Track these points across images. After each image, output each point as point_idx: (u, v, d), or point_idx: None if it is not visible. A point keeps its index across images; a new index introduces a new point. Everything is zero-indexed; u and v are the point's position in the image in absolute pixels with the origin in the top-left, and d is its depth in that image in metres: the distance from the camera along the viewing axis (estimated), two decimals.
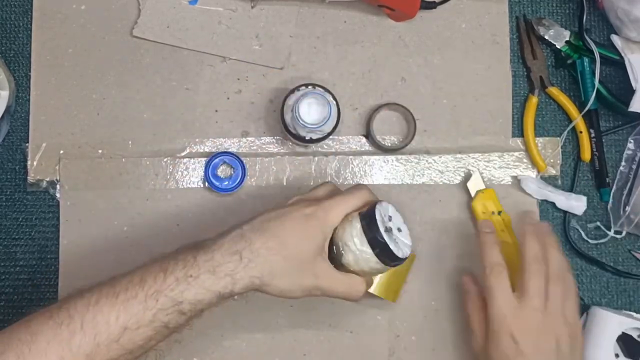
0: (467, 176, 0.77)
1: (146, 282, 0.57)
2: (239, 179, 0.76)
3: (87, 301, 0.56)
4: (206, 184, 0.76)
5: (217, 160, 0.76)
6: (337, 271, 0.62)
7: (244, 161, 0.76)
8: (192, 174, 0.77)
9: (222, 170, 0.76)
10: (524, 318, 0.64)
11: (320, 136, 0.71)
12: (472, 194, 0.77)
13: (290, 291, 0.61)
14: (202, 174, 0.76)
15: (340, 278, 0.63)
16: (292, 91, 0.71)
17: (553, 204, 0.77)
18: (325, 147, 0.78)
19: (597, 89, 0.77)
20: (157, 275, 0.57)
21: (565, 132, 0.78)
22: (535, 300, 0.65)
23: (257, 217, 0.62)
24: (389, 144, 0.78)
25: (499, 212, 0.76)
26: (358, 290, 0.64)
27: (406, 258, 0.63)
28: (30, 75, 0.78)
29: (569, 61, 0.78)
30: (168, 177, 0.77)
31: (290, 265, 0.60)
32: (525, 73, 0.80)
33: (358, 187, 0.66)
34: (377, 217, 0.61)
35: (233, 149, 0.78)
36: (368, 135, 0.78)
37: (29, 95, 0.78)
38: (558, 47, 0.79)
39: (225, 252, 0.58)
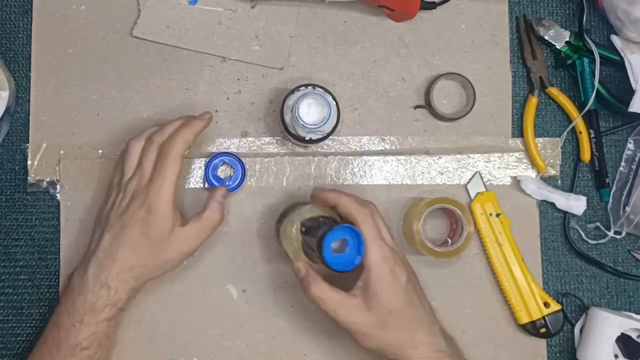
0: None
1: (47, 340, 0.67)
2: (239, 179, 0.76)
3: None
4: (206, 184, 0.76)
5: (217, 160, 0.76)
6: (189, 228, 0.68)
7: (244, 161, 0.76)
8: (192, 174, 0.77)
9: (222, 171, 0.76)
10: (394, 255, 0.65)
11: (320, 137, 0.71)
12: (472, 196, 0.77)
13: (169, 269, 0.69)
14: (202, 174, 0.76)
15: (199, 225, 0.68)
16: (292, 91, 0.71)
17: (553, 204, 0.77)
18: (325, 147, 0.78)
19: (597, 90, 0.77)
20: (53, 331, 0.66)
21: (565, 133, 0.78)
22: (387, 238, 0.66)
23: (103, 238, 0.67)
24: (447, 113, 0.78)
25: (498, 215, 0.76)
26: (214, 221, 0.69)
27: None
28: (30, 75, 0.78)
29: (569, 61, 0.78)
30: None
31: (152, 260, 0.67)
32: (525, 73, 0.80)
33: (172, 140, 0.68)
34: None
35: (233, 149, 0.78)
36: (427, 105, 0.77)
37: (29, 95, 0.78)
38: (558, 47, 0.79)
39: (94, 289, 0.65)
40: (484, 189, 0.77)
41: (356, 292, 0.64)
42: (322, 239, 0.59)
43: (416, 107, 0.78)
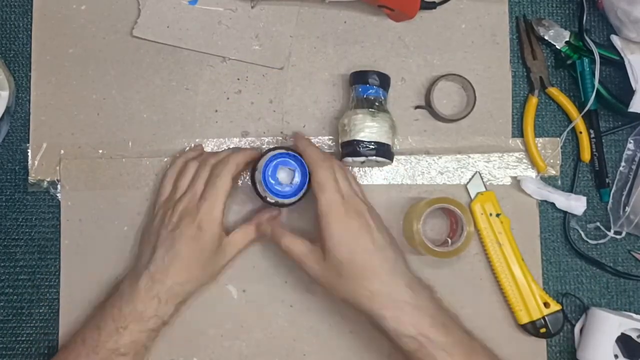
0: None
1: (86, 341, 0.67)
2: (301, 187, 0.70)
3: None
4: (262, 186, 0.70)
5: (277, 161, 0.70)
6: (241, 229, 0.72)
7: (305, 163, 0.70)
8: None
9: (282, 175, 0.71)
10: (350, 206, 0.67)
11: (289, 202, 0.71)
12: (472, 196, 0.77)
13: (213, 279, 0.72)
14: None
15: (238, 236, 0.72)
16: (265, 153, 0.70)
17: (553, 204, 0.77)
18: (325, 147, 0.78)
19: (597, 90, 0.76)
20: (93, 332, 0.67)
21: (565, 133, 0.78)
22: (349, 187, 0.69)
23: (156, 253, 0.68)
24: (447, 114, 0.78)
25: (498, 215, 0.76)
26: (250, 235, 0.72)
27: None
28: (30, 75, 0.78)
29: (569, 61, 0.78)
30: None
31: (201, 275, 0.70)
32: (525, 73, 0.80)
33: (225, 161, 0.71)
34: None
35: None
36: (428, 106, 0.77)
37: (29, 95, 0.78)
38: (558, 47, 0.79)
39: (144, 299, 0.67)
40: (484, 189, 0.77)
41: (317, 242, 0.66)
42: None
43: (416, 107, 0.78)
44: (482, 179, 0.77)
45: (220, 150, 0.78)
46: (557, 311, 0.75)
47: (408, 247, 0.75)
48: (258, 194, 0.71)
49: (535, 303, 0.75)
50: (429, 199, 0.73)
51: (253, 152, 0.73)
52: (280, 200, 0.70)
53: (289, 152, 0.70)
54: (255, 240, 0.73)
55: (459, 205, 0.72)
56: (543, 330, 0.75)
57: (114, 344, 0.66)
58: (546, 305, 0.75)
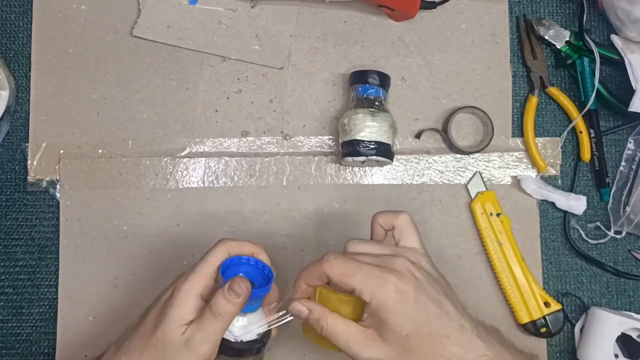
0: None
1: None
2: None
3: None
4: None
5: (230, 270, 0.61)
6: (200, 321, 0.58)
7: (270, 268, 0.63)
8: (192, 174, 0.77)
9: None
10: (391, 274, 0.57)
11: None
12: (472, 195, 0.77)
13: None
14: (202, 173, 0.76)
15: (204, 324, 0.58)
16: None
17: (553, 204, 0.77)
18: (325, 147, 0.78)
19: (597, 89, 0.77)
20: None
21: (565, 132, 0.78)
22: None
23: (132, 325, 0.62)
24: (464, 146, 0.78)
25: (498, 214, 0.76)
26: (227, 309, 0.58)
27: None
28: (30, 75, 0.78)
29: (569, 61, 0.78)
30: (168, 177, 0.77)
31: (157, 357, 0.58)
32: (525, 73, 0.80)
33: (209, 252, 0.61)
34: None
35: (233, 149, 0.78)
36: (443, 132, 0.77)
37: (29, 95, 0.78)
38: (558, 47, 0.79)
39: None
40: (484, 189, 0.77)
41: (366, 322, 0.57)
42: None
43: (421, 132, 0.78)
44: (482, 178, 0.77)
45: (220, 151, 0.77)
46: (558, 311, 0.75)
47: None
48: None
49: (535, 303, 0.75)
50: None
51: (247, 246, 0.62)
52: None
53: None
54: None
55: None
56: (543, 329, 0.75)
57: None
58: (547, 304, 0.75)
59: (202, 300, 0.59)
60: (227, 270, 0.60)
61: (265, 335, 0.62)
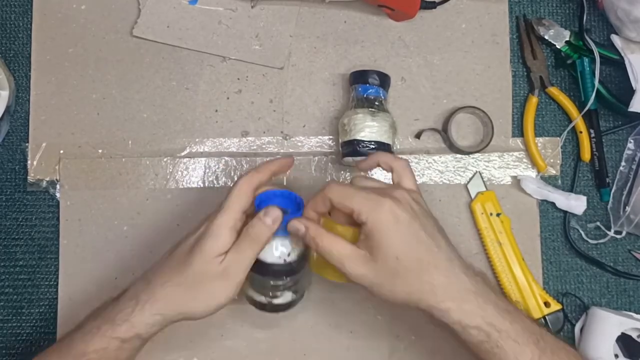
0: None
1: (64, 338, 0.62)
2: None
3: None
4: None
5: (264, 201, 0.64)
6: (236, 245, 0.61)
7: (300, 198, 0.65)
8: (192, 174, 0.77)
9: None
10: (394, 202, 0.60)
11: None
12: (472, 195, 0.77)
13: (209, 307, 0.62)
14: (202, 173, 0.76)
15: (240, 247, 0.61)
16: None
17: (553, 203, 0.77)
18: (325, 147, 0.78)
19: (597, 89, 0.77)
20: (74, 330, 0.62)
21: (565, 132, 0.78)
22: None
23: (167, 252, 0.64)
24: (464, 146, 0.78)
25: (498, 214, 0.76)
26: (263, 233, 0.62)
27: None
28: (30, 75, 0.78)
29: (569, 61, 0.78)
30: (168, 177, 0.77)
31: (190, 289, 0.61)
32: (525, 73, 0.80)
33: (235, 189, 0.63)
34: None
35: (233, 149, 0.78)
36: (443, 132, 0.77)
37: (29, 95, 0.78)
38: (558, 47, 0.79)
39: (126, 298, 0.61)
40: (484, 189, 0.77)
41: (360, 243, 0.60)
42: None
43: (421, 132, 0.78)
44: (482, 178, 0.77)
45: (220, 151, 0.77)
46: (558, 310, 0.75)
47: None
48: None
49: (535, 303, 0.75)
50: None
51: (283, 162, 0.67)
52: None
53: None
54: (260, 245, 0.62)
55: None
56: None
57: (83, 346, 0.59)
58: (546, 304, 0.75)
59: (235, 233, 0.62)
60: (262, 203, 0.63)
61: (298, 263, 0.65)
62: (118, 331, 0.59)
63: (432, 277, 0.58)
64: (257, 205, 0.63)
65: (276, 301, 0.67)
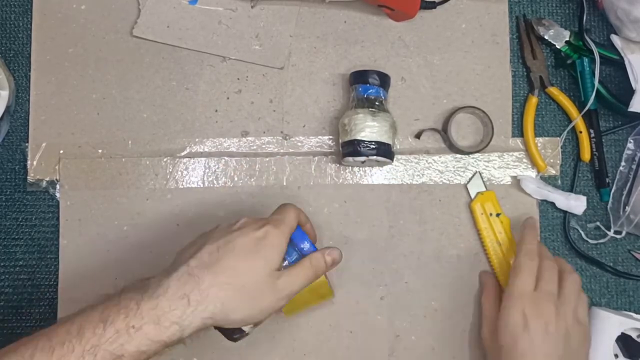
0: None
1: (84, 334, 0.52)
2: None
3: (21, 357, 0.51)
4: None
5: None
6: (294, 269, 0.61)
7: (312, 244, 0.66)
8: (192, 174, 0.77)
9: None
10: (539, 300, 0.66)
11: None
12: (472, 195, 0.77)
13: (251, 318, 0.59)
14: (202, 173, 0.76)
15: (299, 272, 0.61)
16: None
17: (553, 204, 0.77)
18: (325, 147, 0.78)
19: (597, 89, 0.77)
20: (97, 326, 0.52)
21: (565, 132, 0.78)
22: (551, 285, 0.67)
23: (204, 248, 0.58)
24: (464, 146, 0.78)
25: (498, 214, 0.76)
26: (321, 268, 0.63)
27: None
28: (30, 75, 0.78)
29: (569, 61, 0.78)
30: (168, 177, 0.77)
31: (245, 295, 0.57)
32: (525, 73, 0.80)
33: (291, 211, 0.65)
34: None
35: (233, 149, 0.78)
36: (443, 132, 0.77)
37: (29, 95, 0.78)
38: (558, 47, 0.79)
39: (171, 297, 0.54)
40: (484, 189, 0.77)
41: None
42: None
43: (421, 132, 0.78)
44: (482, 178, 0.77)
45: (220, 151, 0.77)
46: None
47: None
48: None
49: None
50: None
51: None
52: None
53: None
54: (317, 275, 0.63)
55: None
56: None
57: (119, 347, 0.52)
58: None
59: None
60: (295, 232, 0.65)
61: None
62: (164, 334, 0.53)
63: None
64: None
65: (235, 335, 0.65)
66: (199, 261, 0.57)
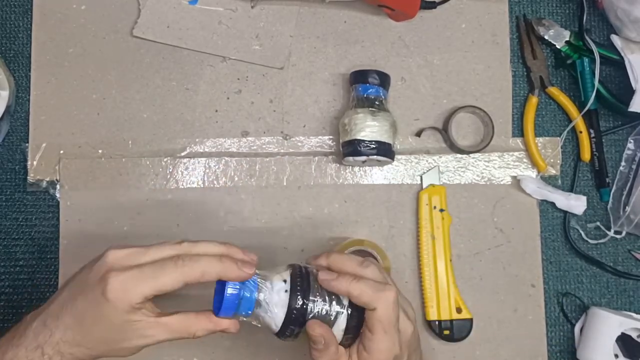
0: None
1: None
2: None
3: None
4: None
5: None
6: (166, 316, 0.56)
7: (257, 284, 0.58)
8: (192, 174, 0.77)
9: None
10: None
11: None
12: (424, 185, 0.77)
13: (125, 355, 0.57)
14: (202, 173, 0.77)
15: (171, 322, 0.57)
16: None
17: (553, 203, 0.77)
18: (325, 147, 0.78)
19: (597, 89, 0.77)
20: None
21: (565, 132, 0.78)
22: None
23: (60, 295, 0.56)
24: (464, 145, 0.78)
25: (442, 210, 0.76)
26: (196, 329, 0.57)
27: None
28: (30, 75, 0.78)
29: (569, 61, 0.78)
30: (168, 177, 0.77)
31: (98, 349, 0.55)
32: (525, 73, 0.80)
33: (196, 260, 0.56)
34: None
35: (233, 149, 0.78)
36: (444, 131, 0.77)
37: (29, 95, 0.78)
38: (558, 47, 0.79)
39: (28, 347, 0.54)
40: (437, 183, 0.77)
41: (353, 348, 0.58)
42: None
43: (422, 130, 0.78)
44: (439, 173, 0.77)
45: (220, 151, 0.77)
46: (467, 319, 0.75)
47: None
48: None
49: (448, 305, 0.74)
50: (343, 244, 0.72)
51: (234, 270, 0.56)
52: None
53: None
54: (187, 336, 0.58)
55: (371, 245, 0.71)
56: (447, 332, 0.74)
57: None
58: (458, 310, 0.74)
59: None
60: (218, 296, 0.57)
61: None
62: None
63: None
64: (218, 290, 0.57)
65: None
66: (50, 311, 0.56)
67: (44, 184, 0.76)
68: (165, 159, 0.77)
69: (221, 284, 0.56)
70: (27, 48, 0.78)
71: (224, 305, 0.55)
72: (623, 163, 0.79)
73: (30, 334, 0.55)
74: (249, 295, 0.56)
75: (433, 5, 0.78)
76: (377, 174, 0.78)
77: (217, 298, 0.57)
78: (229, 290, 0.55)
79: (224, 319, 0.57)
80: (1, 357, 0.54)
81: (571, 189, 0.78)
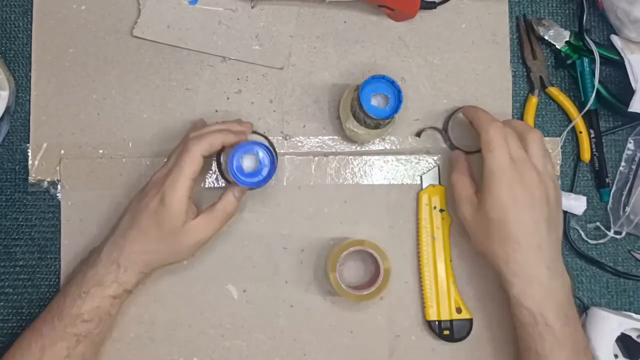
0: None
1: (52, 307, 0.68)
2: (266, 172, 0.69)
3: (28, 344, 0.67)
4: (229, 176, 0.69)
5: (241, 151, 0.68)
6: (204, 213, 0.69)
7: (273, 151, 0.70)
8: (209, 175, 0.77)
9: (248, 161, 0.69)
10: (520, 171, 0.66)
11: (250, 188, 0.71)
12: (424, 185, 0.77)
13: (178, 259, 0.71)
14: (202, 173, 0.77)
15: (211, 215, 0.69)
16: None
17: None
18: (325, 147, 0.78)
19: (597, 89, 0.77)
20: (59, 299, 0.68)
21: (565, 132, 0.78)
22: (520, 151, 0.67)
23: (123, 218, 0.70)
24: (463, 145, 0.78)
25: (442, 210, 0.76)
26: (225, 213, 0.70)
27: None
28: (30, 75, 0.78)
29: (569, 61, 0.78)
30: None
31: (162, 251, 0.68)
32: (525, 73, 0.80)
33: (199, 137, 0.68)
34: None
35: None
36: (444, 131, 0.78)
37: (29, 95, 0.78)
38: (558, 47, 0.79)
39: (105, 264, 0.68)
40: (437, 183, 0.77)
41: (479, 193, 0.68)
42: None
43: (422, 130, 0.78)
44: (439, 173, 0.77)
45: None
46: (467, 320, 0.75)
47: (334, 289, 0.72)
48: (222, 175, 0.73)
49: (448, 305, 0.75)
50: (343, 244, 0.72)
51: (232, 137, 0.69)
52: (245, 187, 0.70)
53: (262, 143, 0.69)
54: (226, 220, 0.70)
55: (372, 245, 0.71)
56: (447, 332, 0.75)
57: (77, 309, 0.66)
58: (458, 310, 0.75)
59: (189, 200, 0.68)
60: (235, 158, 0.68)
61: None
62: (108, 291, 0.67)
63: (513, 252, 0.65)
64: (230, 158, 0.67)
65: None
66: (120, 232, 0.69)
67: (45, 184, 0.76)
68: (165, 159, 0.77)
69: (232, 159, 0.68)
70: (27, 48, 0.78)
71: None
72: (623, 163, 0.79)
73: (103, 255, 0.68)
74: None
75: (433, 5, 0.78)
76: (377, 174, 0.78)
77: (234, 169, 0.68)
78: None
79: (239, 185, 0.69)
80: (82, 278, 0.67)
81: (571, 189, 0.78)
